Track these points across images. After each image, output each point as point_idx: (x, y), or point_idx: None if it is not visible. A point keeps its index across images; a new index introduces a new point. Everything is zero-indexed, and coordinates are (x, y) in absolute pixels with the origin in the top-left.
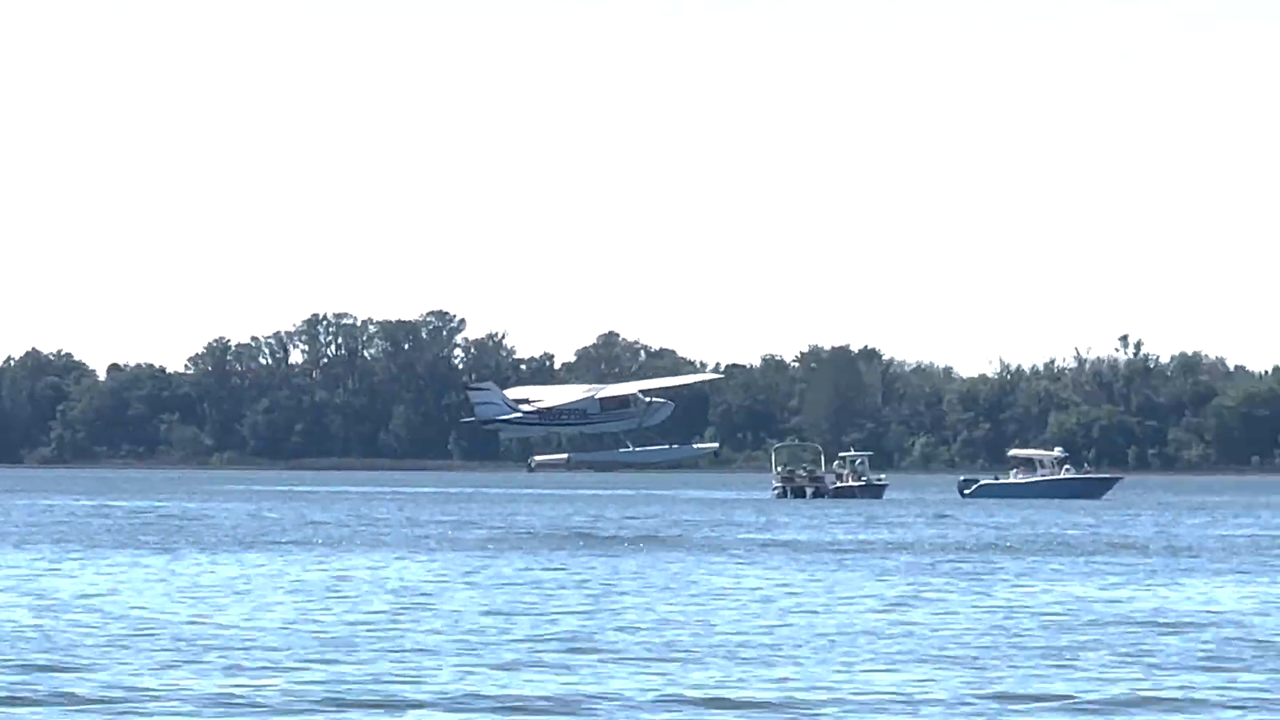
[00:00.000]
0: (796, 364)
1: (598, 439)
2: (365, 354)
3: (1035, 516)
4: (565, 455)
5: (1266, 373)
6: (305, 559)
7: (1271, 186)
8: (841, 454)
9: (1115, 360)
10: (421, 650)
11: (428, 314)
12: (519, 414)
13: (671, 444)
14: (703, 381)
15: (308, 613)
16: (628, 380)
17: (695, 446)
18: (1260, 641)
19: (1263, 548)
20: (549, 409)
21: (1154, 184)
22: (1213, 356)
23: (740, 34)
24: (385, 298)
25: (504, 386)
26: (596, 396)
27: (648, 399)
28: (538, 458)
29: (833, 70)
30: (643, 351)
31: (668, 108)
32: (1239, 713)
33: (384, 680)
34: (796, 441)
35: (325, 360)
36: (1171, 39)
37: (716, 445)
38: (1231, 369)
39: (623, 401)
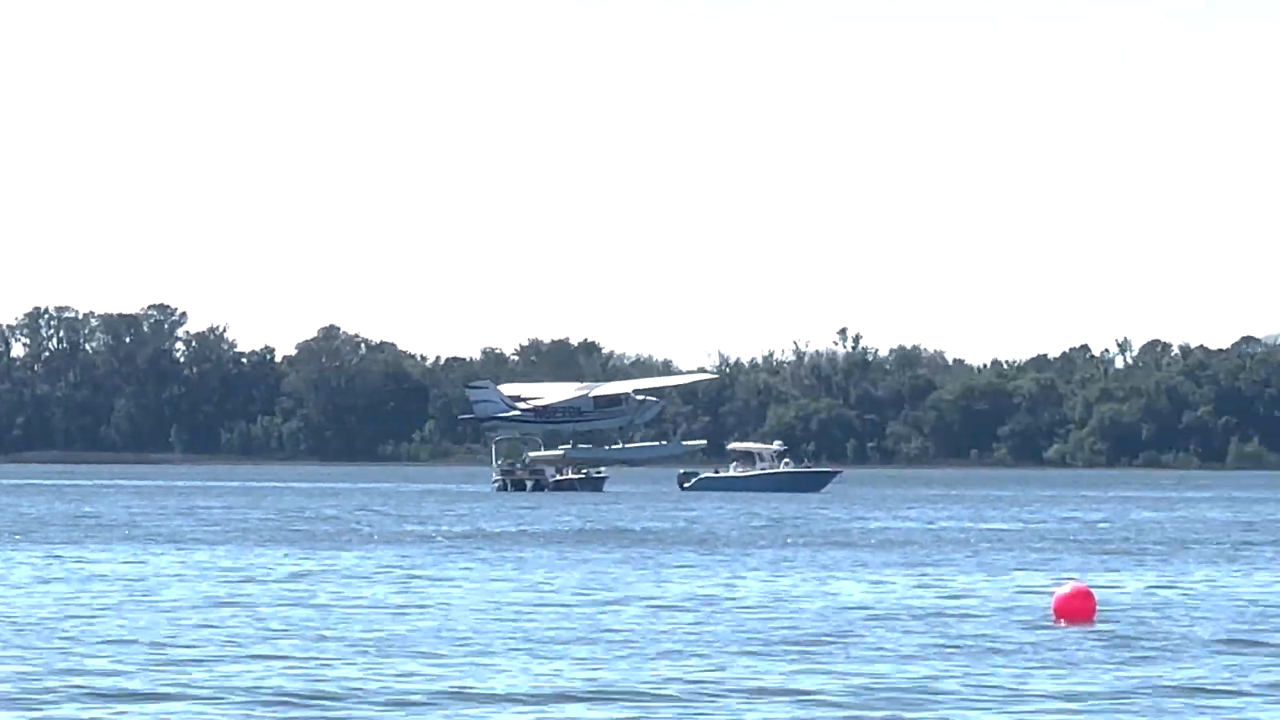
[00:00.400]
0: (516, 357)
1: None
2: (87, 347)
3: (728, 510)
4: (562, 451)
5: (985, 366)
6: None
7: (981, 184)
8: (561, 447)
9: (834, 353)
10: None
11: (149, 307)
12: (516, 411)
13: (661, 440)
14: (696, 382)
15: None
16: (620, 380)
17: (684, 444)
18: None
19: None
20: (545, 407)
21: (864, 178)
22: (931, 350)
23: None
24: (107, 291)
25: (227, 380)
26: (590, 395)
27: (640, 398)
28: (532, 454)
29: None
30: (363, 345)
31: (355, 97)
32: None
33: None
34: (517, 435)
35: (47, 354)
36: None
37: (704, 442)
38: (950, 362)
39: (615, 400)
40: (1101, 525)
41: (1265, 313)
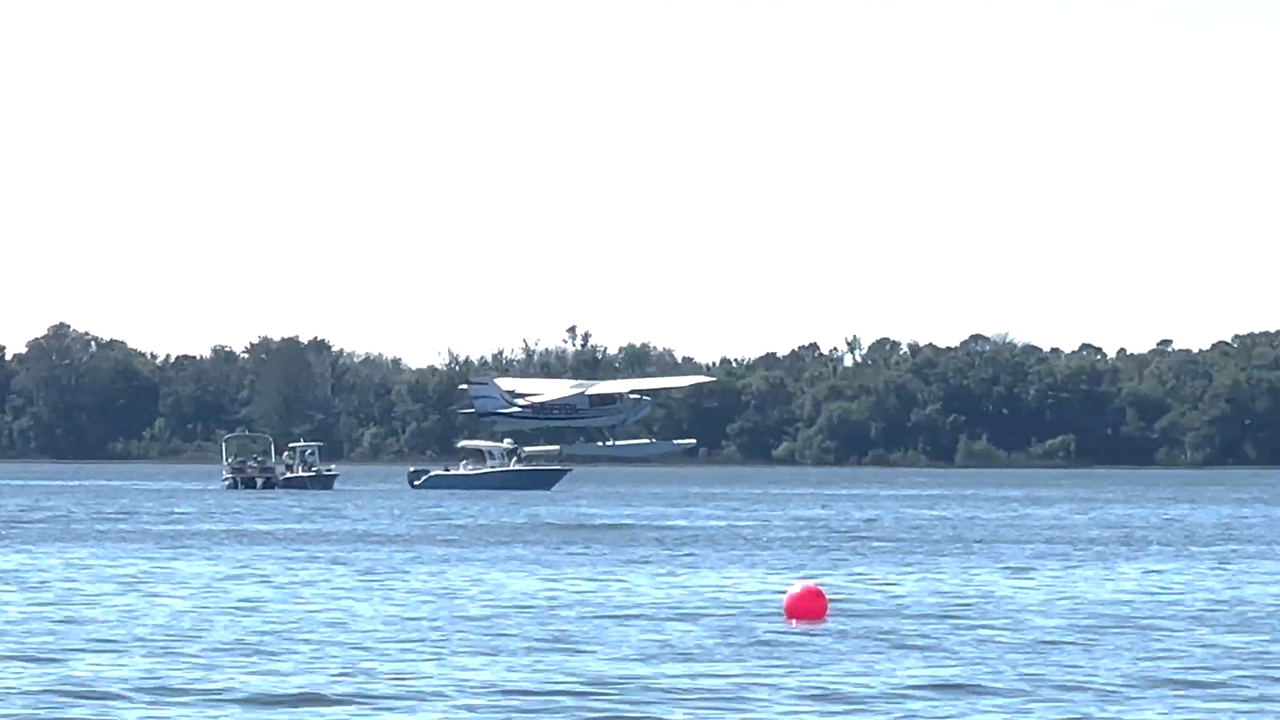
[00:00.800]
0: (246, 355)
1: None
2: None
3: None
4: (557, 447)
5: (714, 364)
6: None
7: (700, 183)
8: (291, 445)
9: (563, 351)
10: None
11: None
12: (516, 408)
13: (653, 440)
14: (696, 384)
15: None
16: (613, 379)
17: (675, 442)
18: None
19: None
20: (543, 404)
21: (585, 175)
22: (660, 348)
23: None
24: None
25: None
26: (586, 393)
27: (634, 397)
28: (529, 449)
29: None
30: (93, 343)
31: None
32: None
33: None
34: (246, 433)
35: None
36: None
37: (694, 441)
38: (679, 360)
39: (609, 398)
40: (868, 522)
41: (992, 311)
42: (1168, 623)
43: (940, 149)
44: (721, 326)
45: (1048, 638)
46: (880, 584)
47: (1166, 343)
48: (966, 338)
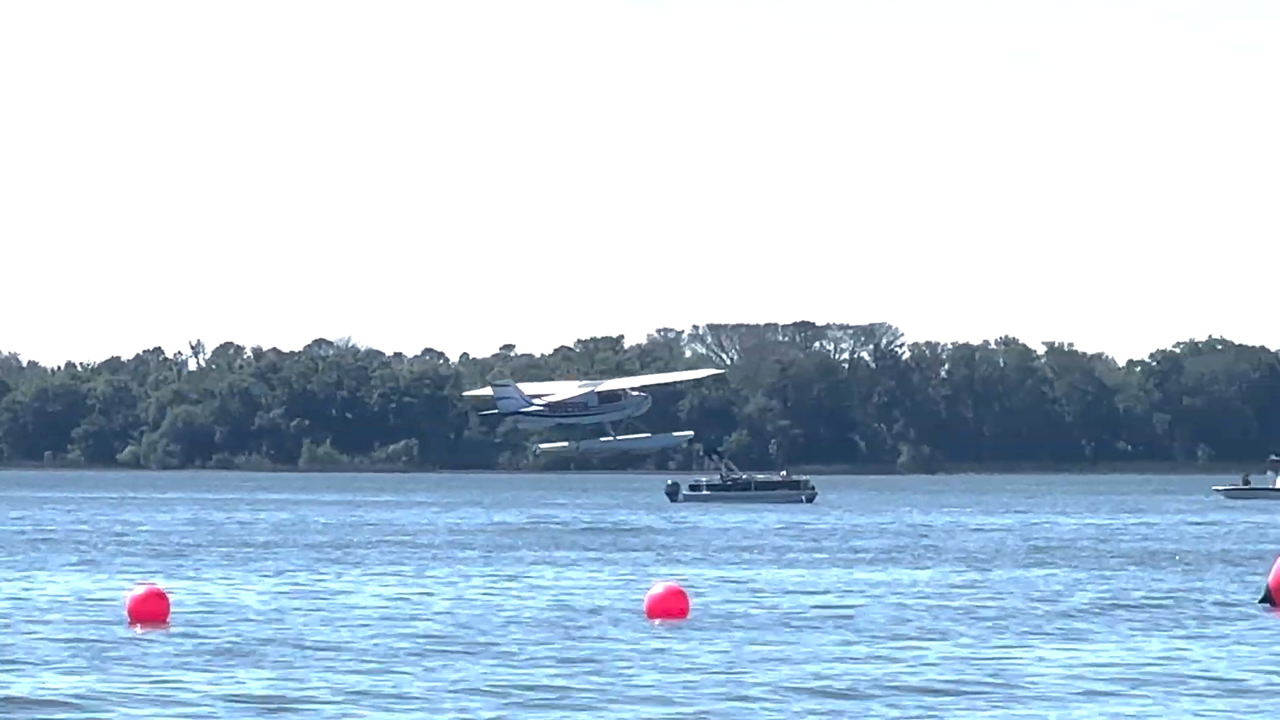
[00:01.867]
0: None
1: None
2: None
3: None
4: (569, 442)
5: (59, 368)
6: None
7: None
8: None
9: None
10: None
11: None
12: (535, 407)
13: (653, 433)
14: (703, 377)
15: None
16: (617, 377)
17: (673, 435)
18: None
19: None
20: (559, 403)
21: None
22: (6, 352)
23: None
24: None
25: None
26: (595, 391)
27: (636, 393)
28: (544, 445)
29: None
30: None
31: None
32: None
33: None
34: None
35: None
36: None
37: (691, 434)
38: (25, 364)
39: (614, 395)
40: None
41: (337, 316)
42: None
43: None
44: (67, 329)
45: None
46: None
47: (509, 347)
48: (310, 342)
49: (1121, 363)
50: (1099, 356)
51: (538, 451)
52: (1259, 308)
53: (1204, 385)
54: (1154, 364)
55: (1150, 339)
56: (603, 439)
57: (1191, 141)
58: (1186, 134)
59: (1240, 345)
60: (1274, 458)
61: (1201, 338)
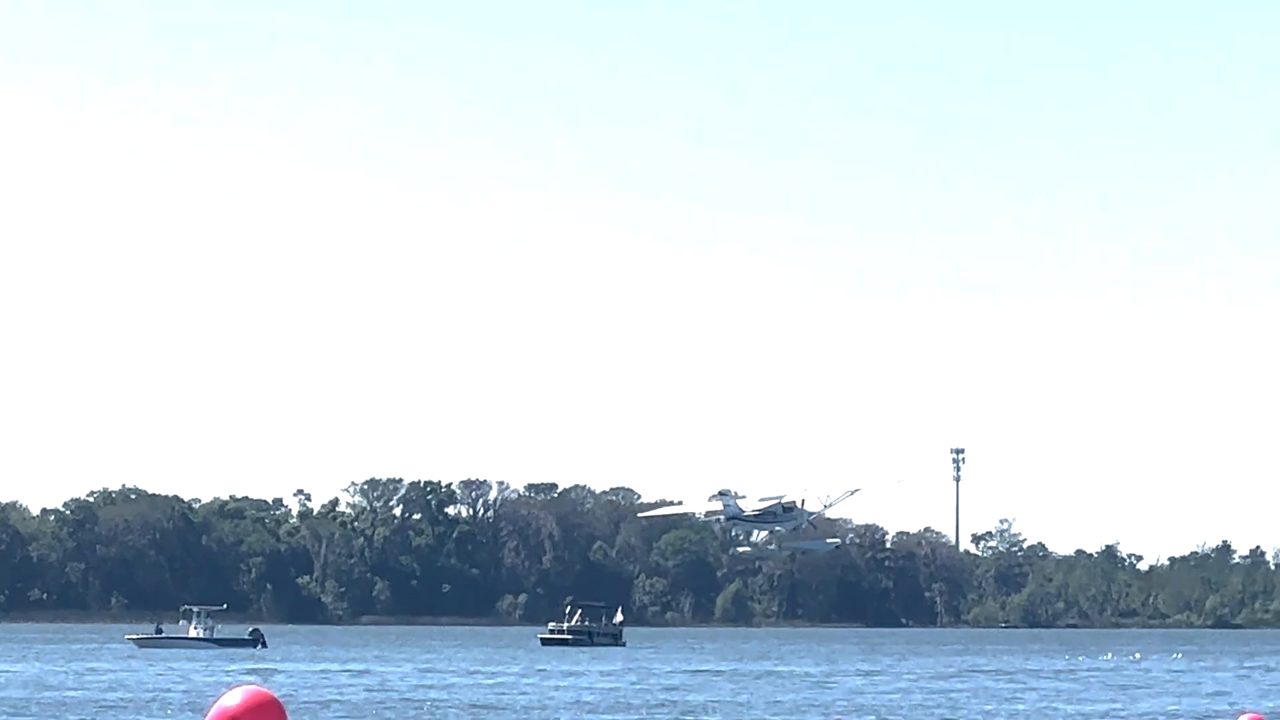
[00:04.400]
0: None
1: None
2: None
3: None
4: (769, 539)
5: None
6: None
7: None
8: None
9: None
10: None
11: None
12: (747, 513)
13: (818, 539)
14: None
15: None
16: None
17: (827, 541)
18: None
19: None
20: (760, 512)
21: None
22: None
23: None
24: None
25: None
26: (780, 502)
27: (805, 507)
28: (739, 549)
29: None
30: None
31: None
32: None
33: None
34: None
35: None
36: None
37: (837, 540)
38: None
39: (790, 506)
40: None
41: None
42: None
43: None
44: None
45: None
46: None
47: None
48: None
49: (36, 511)
50: (14, 505)
51: (745, 543)
52: (170, 458)
53: (118, 534)
54: (68, 512)
55: (65, 487)
56: (781, 545)
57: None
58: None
59: (153, 494)
60: (185, 607)
61: (115, 486)
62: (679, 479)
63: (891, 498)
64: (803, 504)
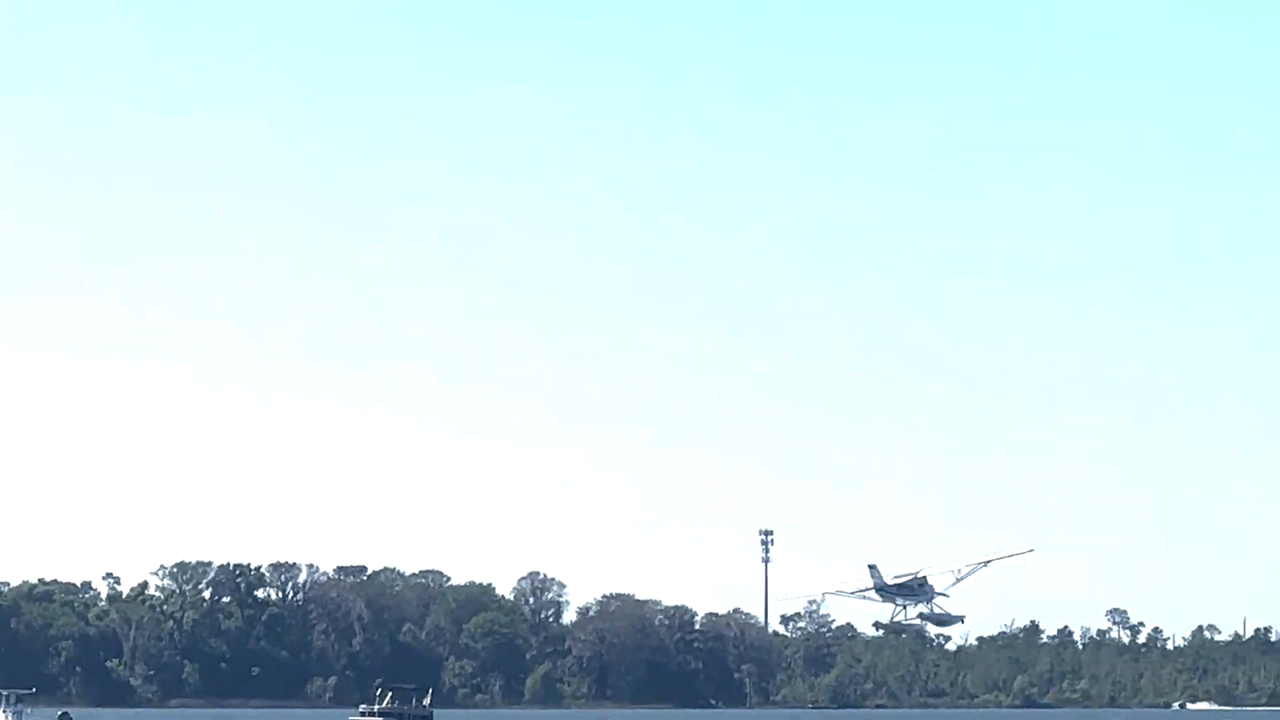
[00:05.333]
0: None
1: None
2: None
3: None
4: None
5: None
6: None
7: None
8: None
9: None
10: None
11: None
12: (889, 584)
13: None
14: (1007, 556)
15: None
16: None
17: (950, 613)
18: None
19: None
20: (899, 585)
21: None
22: None
23: None
24: None
25: None
26: (917, 577)
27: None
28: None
29: None
30: None
31: None
32: None
33: None
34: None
35: None
36: None
37: (965, 615)
38: None
39: (922, 581)
40: None
41: None
42: None
43: None
44: None
45: None
46: None
47: None
48: None
49: None
50: None
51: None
52: None
53: None
54: None
55: None
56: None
57: None
58: None
59: None
60: None
61: None
62: (487, 560)
63: (700, 579)
64: (926, 579)
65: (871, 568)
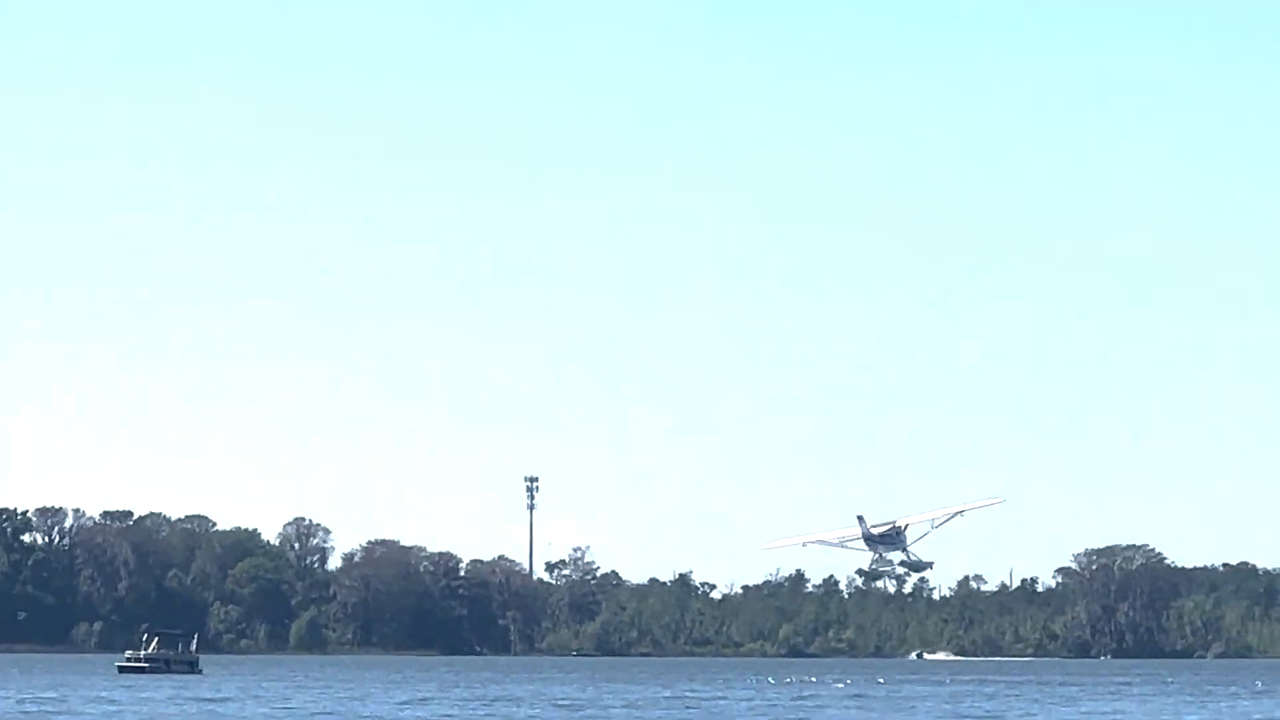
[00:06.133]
0: None
1: None
2: None
3: None
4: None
5: None
6: None
7: None
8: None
9: None
10: None
11: None
12: (874, 533)
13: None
14: (981, 506)
15: None
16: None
17: (922, 559)
18: None
19: None
20: (881, 534)
21: None
22: None
23: None
24: None
25: None
26: (896, 525)
27: (903, 526)
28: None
29: None
30: None
31: None
32: None
33: None
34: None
35: None
36: None
37: (933, 562)
38: None
39: (899, 529)
40: None
41: None
42: None
43: None
44: None
45: None
46: None
47: None
48: None
49: None
50: None
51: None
52: None
53: None
54: None
55: None
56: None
57: None
58: None
59: None
60: None
61: None
62: (254, 506)
63: (464, 525)
64: (906, 528)
65: (860, 518)
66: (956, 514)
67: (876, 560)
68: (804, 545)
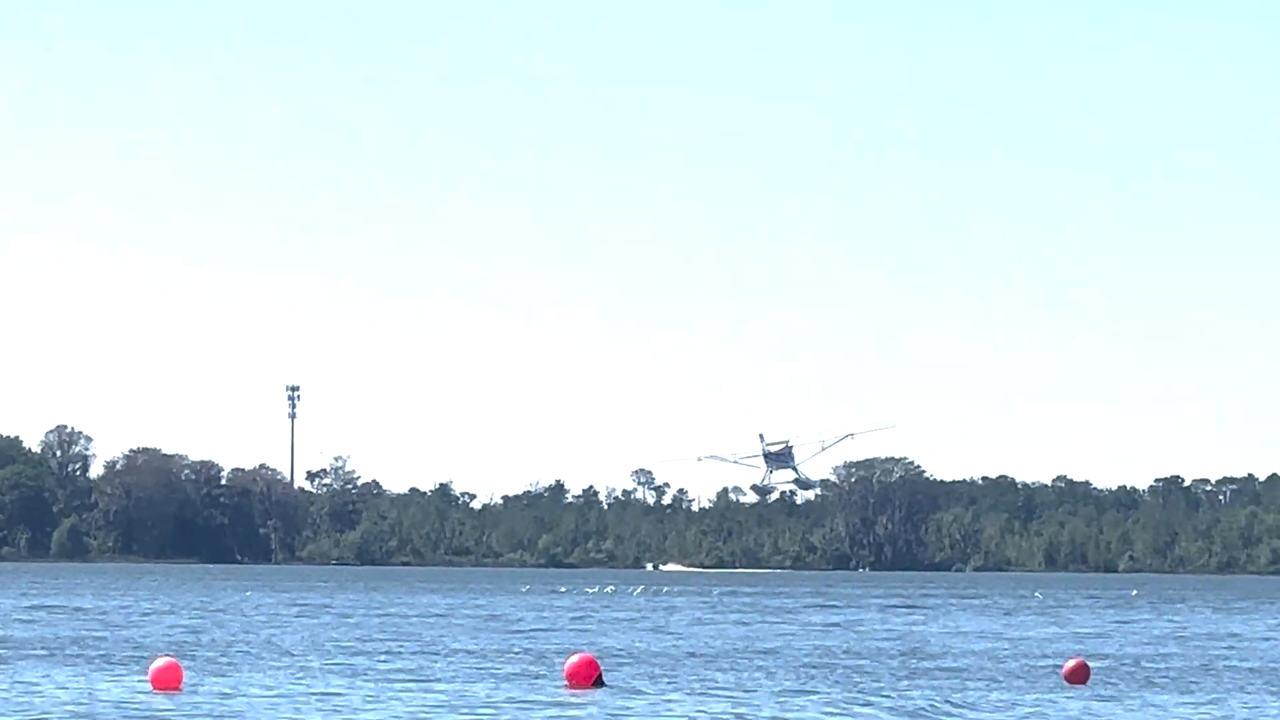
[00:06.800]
0: None
1: None
2: None
3: None
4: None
5: None
6: None
7: None
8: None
9: None
10: None
11: None
12: (769, 452)
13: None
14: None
15: None
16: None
17: (811, 478)
18: None
19: None
20: (777, 452)
21: None
22: None
23: None
24: None
25: None
26: (788, 445)
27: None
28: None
29: None
30: None
31: None
32: None
33: None
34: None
35: None
36: None
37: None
38: None
39: (791, 449)
40: None
41: None
42: None
43: None
44: None
45: None
46: None
47: None
48: None
49: None
50: None
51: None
52: None
53: None
54: None
55: None
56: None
57: None
58: None
59: None
60: None
61: None
62: (14, 413)
63: (226, 433)
64: (792, 448)
65: (760, 436)
66: (846, 436)
67: (767, 476)
68: (699, 460)
